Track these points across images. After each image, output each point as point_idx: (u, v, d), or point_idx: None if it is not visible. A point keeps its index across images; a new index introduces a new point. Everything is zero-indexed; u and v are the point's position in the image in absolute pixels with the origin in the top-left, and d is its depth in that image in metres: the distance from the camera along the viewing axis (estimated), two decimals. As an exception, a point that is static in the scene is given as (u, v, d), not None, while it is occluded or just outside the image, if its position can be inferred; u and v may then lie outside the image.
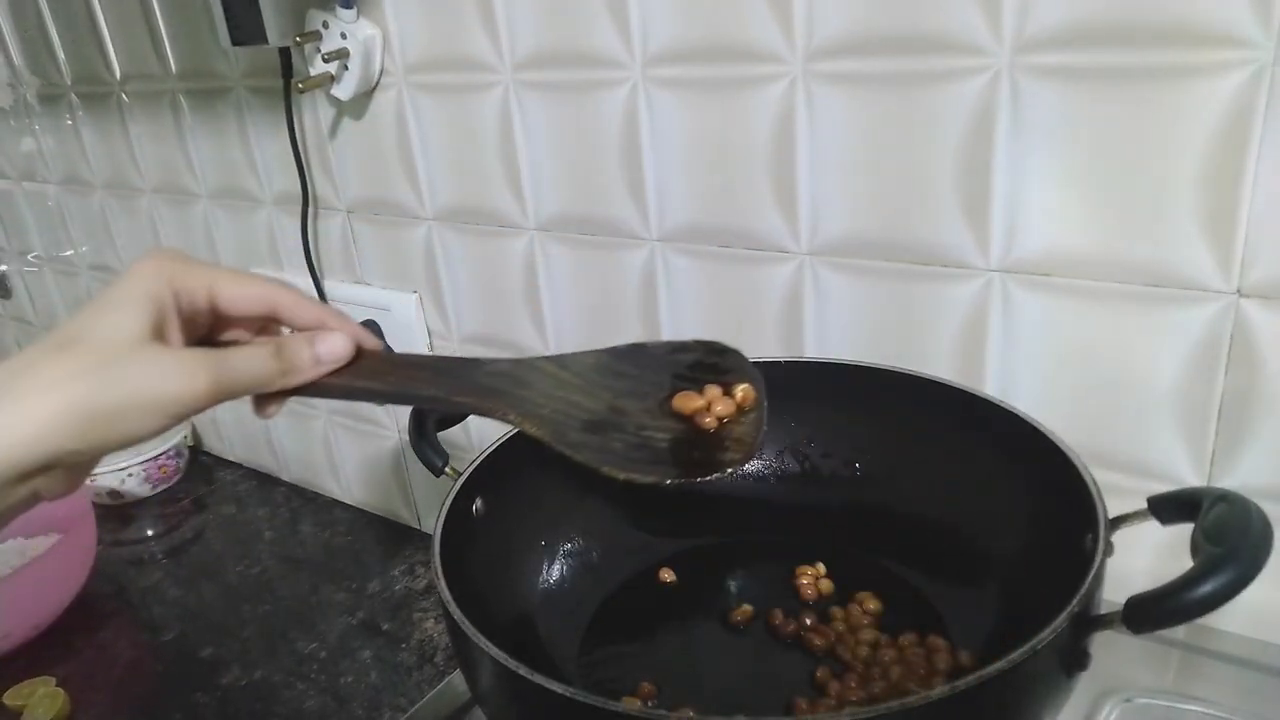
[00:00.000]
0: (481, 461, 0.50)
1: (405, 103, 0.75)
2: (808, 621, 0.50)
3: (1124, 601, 0.34)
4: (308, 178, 0.84)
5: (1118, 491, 0.42)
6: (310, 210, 0.86)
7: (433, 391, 0.39)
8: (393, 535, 0.97)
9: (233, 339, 0.39)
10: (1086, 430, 0.52)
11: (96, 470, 1.02)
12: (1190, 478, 0.51)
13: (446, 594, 0.40)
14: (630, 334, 0.71)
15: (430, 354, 0.42)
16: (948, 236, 0.54)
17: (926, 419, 0.53)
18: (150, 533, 1.04)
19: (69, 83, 1.05)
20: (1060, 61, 0.47)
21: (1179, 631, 0.52)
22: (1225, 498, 0.36)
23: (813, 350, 0.62)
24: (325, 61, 0.73)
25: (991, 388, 0.55)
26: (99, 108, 1.03)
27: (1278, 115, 0.43)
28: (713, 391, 0.40)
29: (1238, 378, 0.48)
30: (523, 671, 0.34)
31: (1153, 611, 0.33)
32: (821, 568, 0.54)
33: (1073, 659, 0.35)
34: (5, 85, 1.14)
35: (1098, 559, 0.37)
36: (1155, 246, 0.48)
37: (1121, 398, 0.52)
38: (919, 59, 0.51)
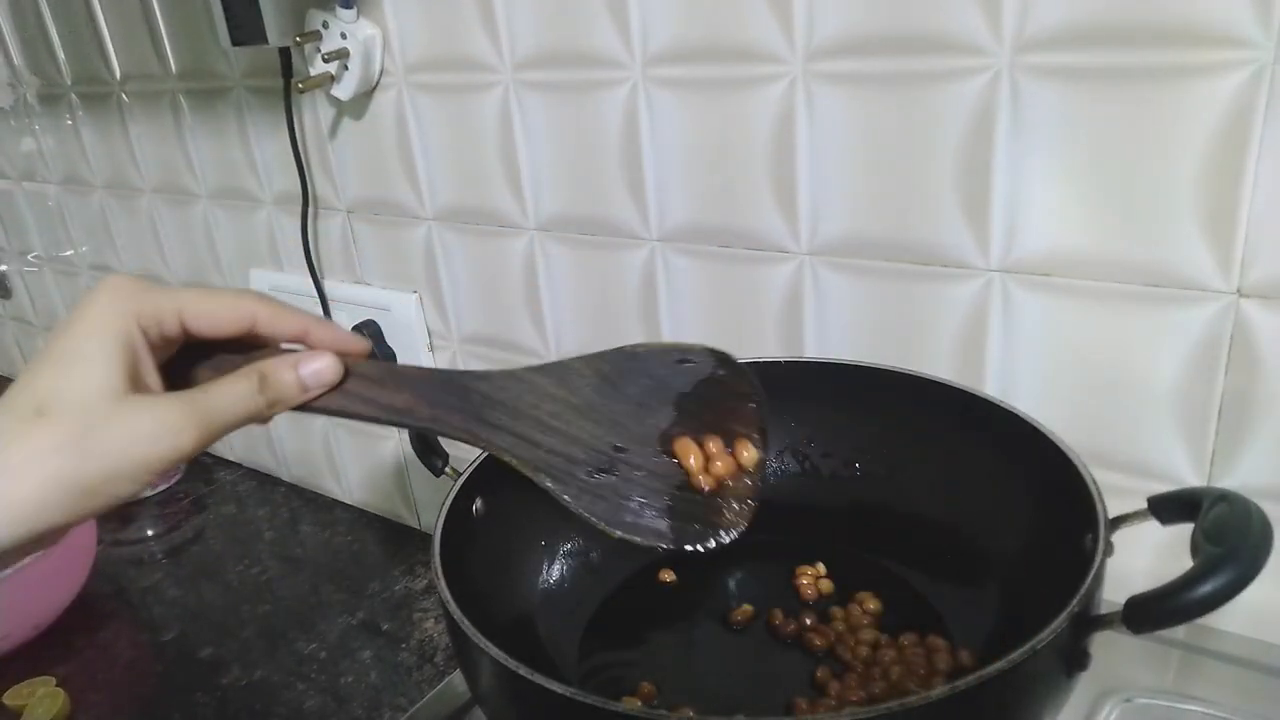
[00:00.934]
0: (481, 462, 0.50)
1: (405, 103, 0.75)
2: (808, 621, 0.50)
3: (1124, 601, 0.33)
4: (308, 178, 0.84)
5: (1118, 491, 0.42)
6: (310, 210, 0.86)
7: (426, 420, 0.37)
8: (393, 535, 0.97)
9: (210, 364, 0.37)
10: (1086, 430, 0.52)
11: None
12: (1190, 478, 0.51)
13: (446, 594, 0.40)
14: (630, 334, 0.71)
15: (427, 368, 0.39)
16: (948, 236, 0.54)
17: (926, 419, 0.53)
18: (150, 533, 1.04)
19: (69, 83, 1.05)
20: (1060, 61, 0.47)
21: (1179, 631, 0.52)
22: (1225, 498, 0.36)
23: (813, 350, 0.62)
24: (325, 61, 0.73)
25: (991, 388, 0.55)
26: (99, 108, 1.03)
27: (1278, 115, 0.43)
28: (713, 446, 0.39)
29: (1238, 378, 0.48)
30: (523, 671, 0.34)
31: (1153, 611, 0.33)
32: (821, 568, 0.54)
33: (1073, 659, 0.35)
34: (5, 85, 1.14)
35: (1098, 559, 0.37)
36: (1155, 246, 0.48)
37: (1121, 398, 0.52)
38: (919, 59, 0.51)
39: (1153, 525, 0.40)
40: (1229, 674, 0.50)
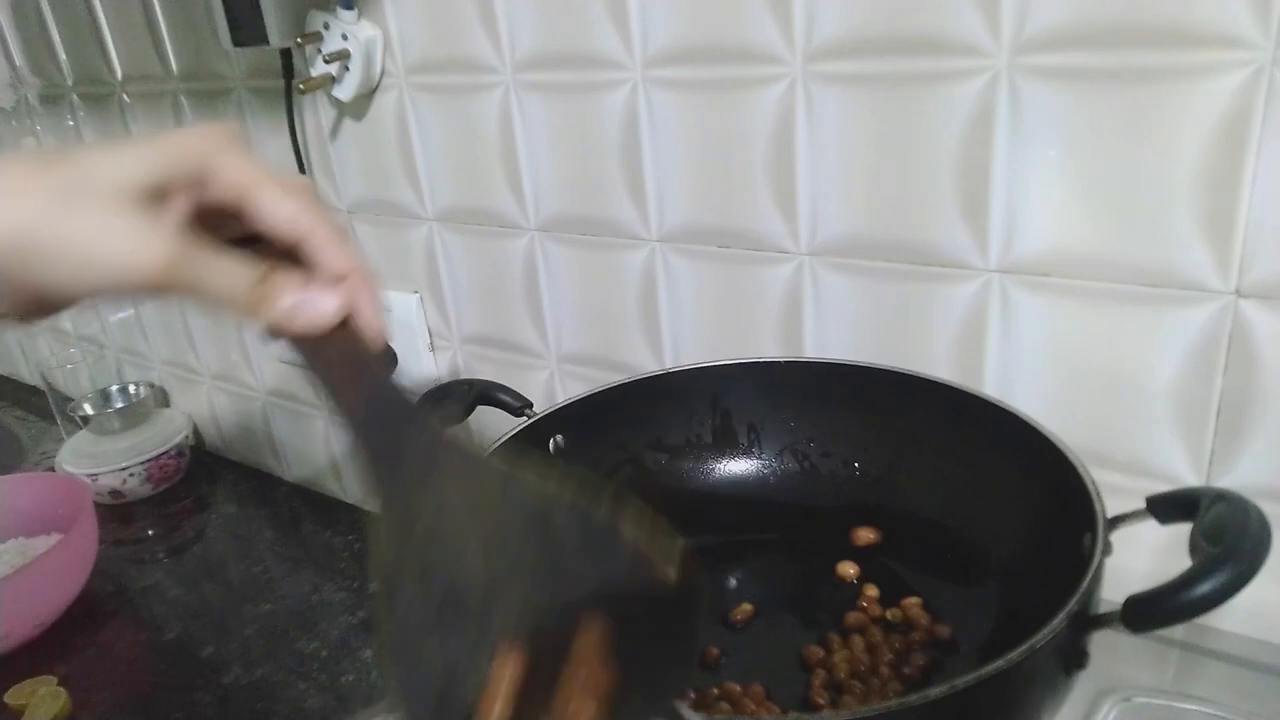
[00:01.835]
0: (482, 461, 0.50)
1: (406, 103, 0.75)
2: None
3: (1123, 601, 0.34)
4: (309, 178, 0.84)
5: (1116, 491, 0.42)
6: (311, 210, 0.86)
7: (360, 438, 0.33)
8: (393, 535, 0.96)
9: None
10: (1085, 430, 0.52)
11: (97, 470, 1.04)
12: (1189, 477, 0.51)
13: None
14: (630, 334, 0.71)
15: (404, 390, 0.34)
16: (947, 237, 0.54)
17: (925, 419, 0.53)
18: (151, 532, 1.04)
19: (70, 83, 1.05)
20: (1059, 62, 0.47)
21: (1177, 631, 0.52)
22: (1224, 497, 0.36)
23: (812, 350, 0.62)
24: (326, 63, 0.74)
25: (990, 388, 0.55)
26: (100, 108, 1.03)
27: (1276, 116, 0.43)
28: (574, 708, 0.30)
29: (1236, 377, 0.48)
30: (523, 670, 0.34)
31: (1151, 611, 0.33)
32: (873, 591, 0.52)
33: (1071, 658, 0.36)
34: (7, 86, 1.14)
35: (1096, 558, 0.37)
36: (1154, 246, 0.48)
37: (1120, 397, 0.52)
38: (918, 60, 0.51)
39: (1151, 525, 0.40)
40: (1228, 673, 0.50)
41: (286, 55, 0.76)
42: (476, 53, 0.69)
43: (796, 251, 0.60)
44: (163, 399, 1.20)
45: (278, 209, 0.33)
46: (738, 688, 0.45)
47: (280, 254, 0.34)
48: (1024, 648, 0.33)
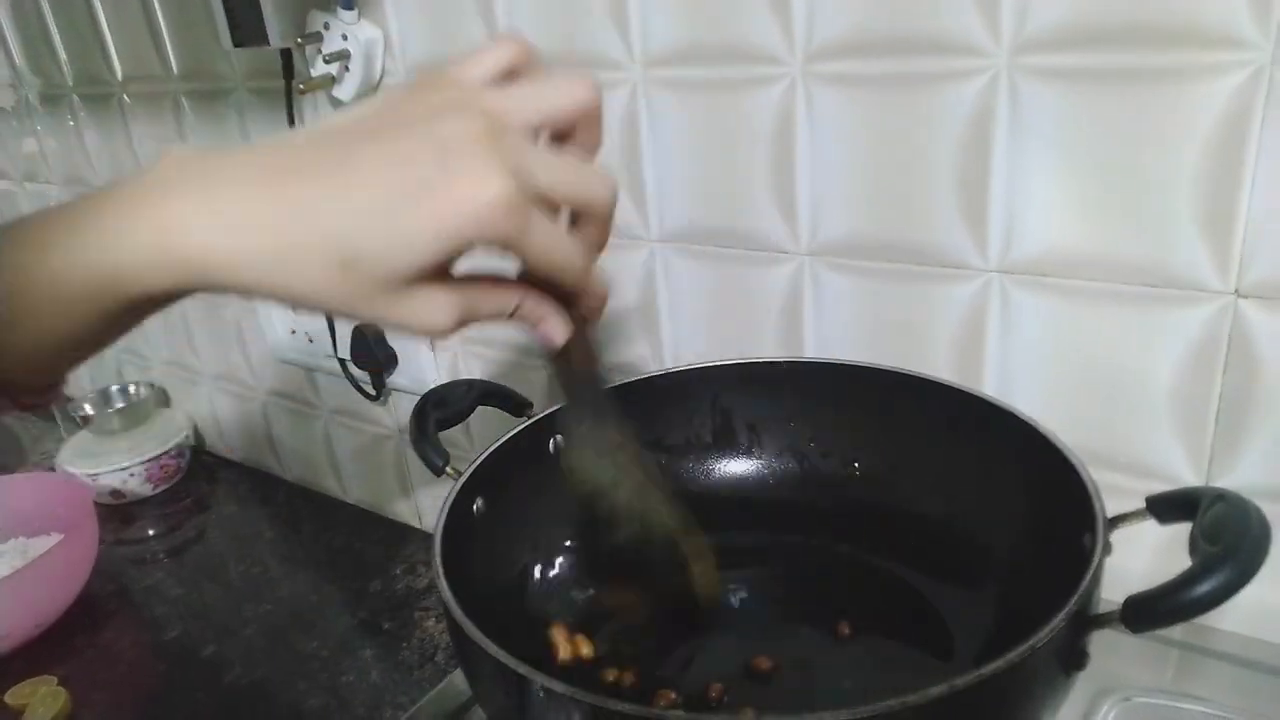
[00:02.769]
0: (482, 461, 0.51)
1: (406, 103, 0.75)
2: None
3: (1122, 601, 0.34)
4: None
5: (1116, 491, 0.42)
6: (311, 211, 0.86)
7: (568, 408, 0.44)
8: (393, 535, 0.97)
9: None
10: (1085, 430, 0.52)
11: (98, 470, 1.04)
12: (1188, 477, 0.51)
13: (447, 593, 0.40)
14: (630, 334, 0.71)
15: (604, 385, 0.46)
16: (947, 237, 0.54)
17: (925, 419, 0.53)
18: (152, 532, 1.04)
19: (70, 84, 1.05)
20: (1058, 63, 0.47)
21: (1177, 631, 0.52)
22: (1223, 497, 0.36)
23: (812, 350, 0.62)
24: (326, 63, 0.74)
25: (990, 388, 0.55)
26: (101, 109, 1.03)
27: (1276, 116, 0.43)
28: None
29: (1236, 377, 0.48)
30: (523, 670, 0.35)
31: (1151, 611, 0.33)
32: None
33: (1071, 658, 0.36)
34: (7, 86, 1.14)
35: (1096, 558, 0.37)
36: (1153, 247, 0.48)
37: (1120, 397, 0.52)
38: (918, 60, 0.51)
39: (1151, 525, 0.40)
40: (1227, 673, 0.50)
41: (287, 56, 0.76)
42: (476, 53, 0.69)
43: (796, 251, 0.60)
44: (163, 399, 1.20)
45: (538, 268, 0.35)
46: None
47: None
48: (1024, 648, 0.33)
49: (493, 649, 0.36)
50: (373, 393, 0.89)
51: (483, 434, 0.84)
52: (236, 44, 0.75)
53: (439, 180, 0.30)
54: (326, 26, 0.73)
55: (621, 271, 0.69)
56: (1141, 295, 0.49)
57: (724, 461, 0.60)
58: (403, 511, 0.99)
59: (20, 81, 1.12)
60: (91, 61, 1.01)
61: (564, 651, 0.49)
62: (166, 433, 1.10)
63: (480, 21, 0.67)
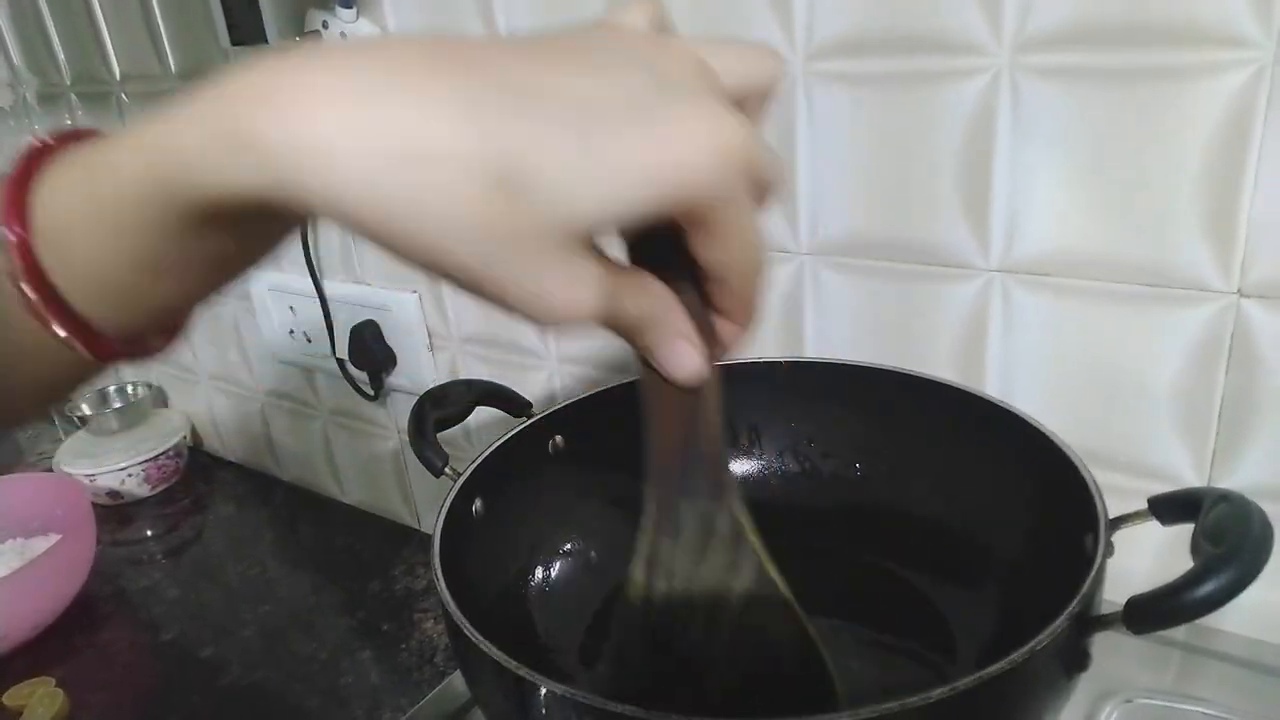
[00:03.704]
0: (481, 462, 0.50)
1: (405, 103, 0.75)
2: None
3: (1124, 602, 0.33)
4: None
5: (1118, 492, 0.42)
6: (310, 210, 0.85)
7: (658, 480, 0.33)
8: (392, 536, 0.96)
9: None
10: (1087, 430, 0.52)
11: (95, 471, 1.04)
12: (1191, 478, 0.51)
13: (446, 594, 0.40)
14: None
15: (722, 454, 0.34)
16: (948, 236, 0.54)
17: (927, 419, 0.53)
18: (150, 533, 1.04)
19: (68, 82, 1.05)
20: (1060, 61, 0.47)
21: (1179, 632, 0.52)
22: (1226, 498, 0.36)
23: (813, 350, 0.62)
24: (325, 61, 0.73)
25: (992, 388, 0.55)
26: (98, 108, 1.03)
27: (1278, 115, 0.43)
28: None
29: (1238, 378, 0.48)
30: (523, 672, 0.34)
31: (1153, 612, 0.33)
32: None
33: (1073, 659, 0.35)
34: (5, 85, 1.14)
35: (1098, 559, 0.37)
36: (1155, 246, 0.48)
37: (1122, 398, 0.52)
38: (919, 59, 0.51)
39: (1153, 526, 0.40)
40: (1229, 674, 0.50)
41: (285, 54, 0.76)
42: (476, 52, 0.68)
43: (797, 251, 0.60)
44: (161, 399, 1.20)
45: (718, 257, 0.26)
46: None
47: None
48: (1025, 649, 0.32)
49: (492, 651, 0.36)
50: (371, 393, 0.88)
51: (482, 434, 0.84)
52: (235, 43, 0.75)
53: (660, 111, 0.22)
54: (325, 25, 0.73)
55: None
56: (1143, 295, 0.49)
57: (724, 462, 0.59)
58: (401, 512, 0.98)
59: (18, 80, 1.12)
60: (89, 60, 1.00)
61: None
62: (164, 433, 1.10)
63: (479, 20, 0.67)
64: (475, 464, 0.50)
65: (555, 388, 0.78)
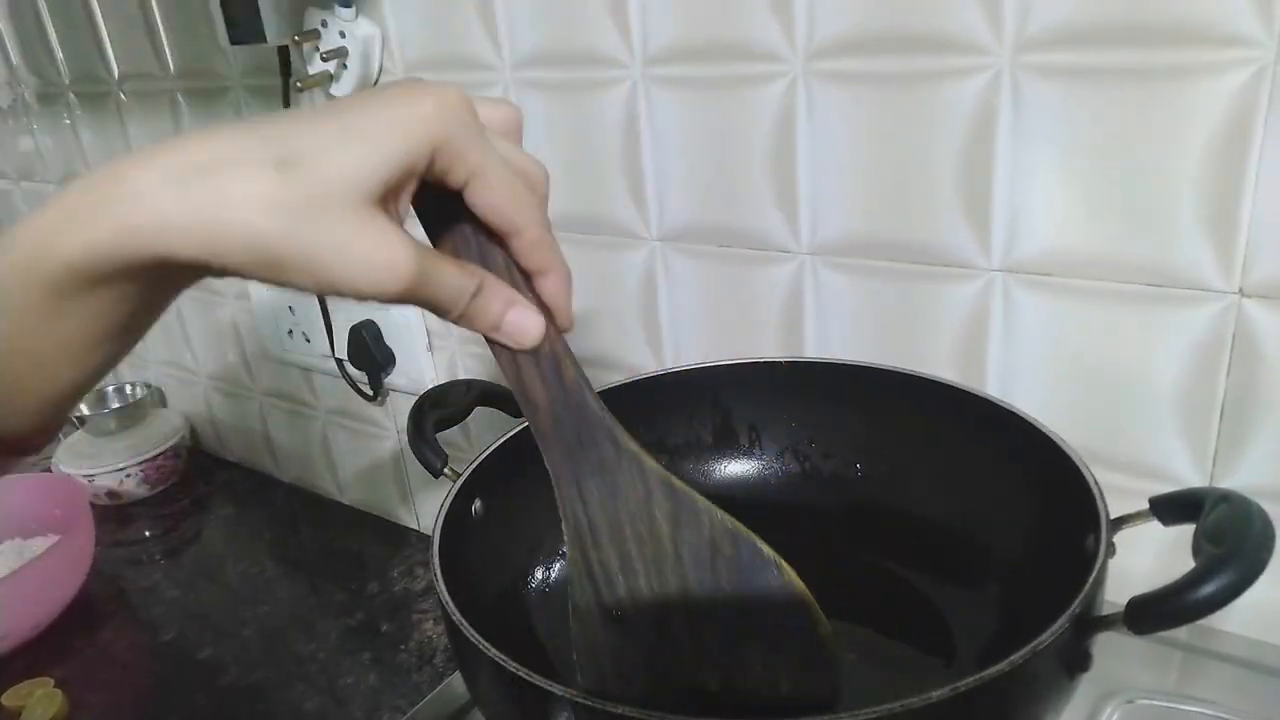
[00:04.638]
0: (481, 462, 0.50)
1: (404, 102, 0.75)
2: None
3: (1126, 602, 0.33)
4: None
5: (1119, 492, 0.42)
6: (309, 210, 0.85)
7: (540, 430, 0.36)
8: (392, 536, 0.96)
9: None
10: (1088, 430, 0.52)
11: (94, 471, 1.04)
12: (1192, 478, 0.51)
13: (445, 595, 0.40)
14: (630, 334, 0.70)
15: (590, 392, 0.37)
16: (949, 236, 0.54)
17: (927, 420, 0.53)
18: (149, 533, 1.03)
19: (67, 82, 1.05)
20: (1061, 61, 0.47)
21: (1181, 632, 0.52)
22: (1227, 498, 0.36)
23: (813, 350, 0.62)
24: (324, 60, 0.73)
25: (993, 388, 0.55)
26: (97, 107, 1.03)
27: (1279, 115, 0.43)
28: None
29: (1240, 378, 0.48)
30: (522, 673, 0.34)
31: (1155, 612, 0.32)
32: None
33: (1074, 660, 0.35)
34: (3, 84, 1.14)
35: (1099, 560, 0.36)
36: (1157, 246, 0.48)
37: (1123, 398, 0.52)
38: (919, 58, 0.51)
39: (1154, 526, 0.40)
40: (1230, 675, 0.50)
41: (284, 53, 0.76)
42: (475, 51, 0.68)
43: (797, 251, 0.60)
44: (159, 399, 1.20)
45: (495, 204, 0.32)
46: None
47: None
48: (1027, 650, 0.32)
49: (491, 652, 0.36)
50: (370, 393, 0.88)
51: (481, 435, 0.84)
52: (234, 42, 0.75)
53: (401, 98, 0.29)
54: (324, 24, 0.73)
55: (621, 271, 0.69)
56: (1144, 295, 0.49)
57: (725, 462, 0.59)
58: (401, 513, 0.98)
59: (17, 80, 1.12)
60: (88, 59, 1.00)
61: None
62: (163, 433, 1.10)
63: (478, 19, 0.67)
64: (475, 464, 0.50)
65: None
